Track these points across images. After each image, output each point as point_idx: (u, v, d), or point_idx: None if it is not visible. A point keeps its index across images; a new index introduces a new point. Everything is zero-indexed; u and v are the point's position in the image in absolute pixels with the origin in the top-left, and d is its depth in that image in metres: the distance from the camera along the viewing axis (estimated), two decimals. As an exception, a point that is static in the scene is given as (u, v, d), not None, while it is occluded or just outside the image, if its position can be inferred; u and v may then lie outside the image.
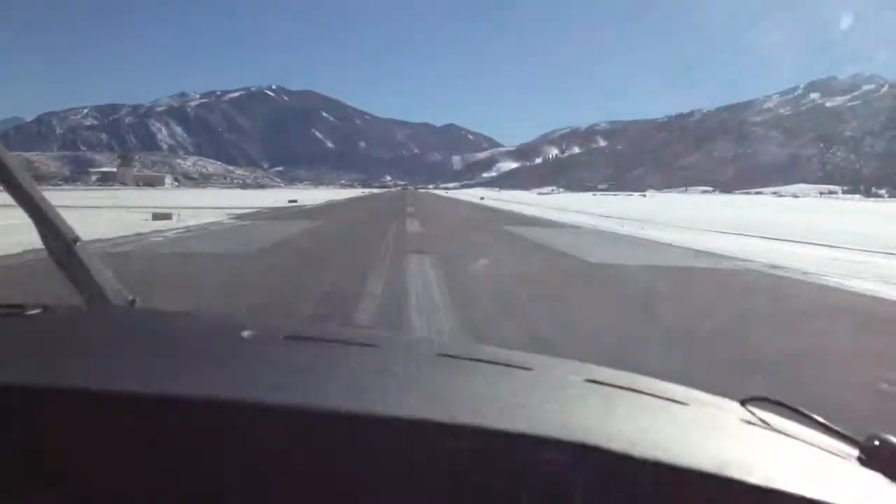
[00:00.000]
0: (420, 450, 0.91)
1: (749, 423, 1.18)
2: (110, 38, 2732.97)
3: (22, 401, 0.94)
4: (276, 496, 0.92)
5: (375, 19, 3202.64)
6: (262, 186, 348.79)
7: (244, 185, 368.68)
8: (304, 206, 54.73)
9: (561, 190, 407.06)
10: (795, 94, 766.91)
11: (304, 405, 0.96)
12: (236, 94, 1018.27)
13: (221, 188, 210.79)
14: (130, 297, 1.79)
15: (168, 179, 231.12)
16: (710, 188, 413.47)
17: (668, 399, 1.24)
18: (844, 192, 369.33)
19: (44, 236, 1.65)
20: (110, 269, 1.72)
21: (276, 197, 68.12)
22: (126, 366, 1.13)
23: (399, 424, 0.92)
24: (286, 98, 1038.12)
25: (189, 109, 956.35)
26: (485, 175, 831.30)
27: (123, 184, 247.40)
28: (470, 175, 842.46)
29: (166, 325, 1.62)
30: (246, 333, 1.35)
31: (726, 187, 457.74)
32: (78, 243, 1.66)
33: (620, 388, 1.25)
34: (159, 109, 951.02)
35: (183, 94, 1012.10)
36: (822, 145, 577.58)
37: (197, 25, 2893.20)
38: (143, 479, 0.91)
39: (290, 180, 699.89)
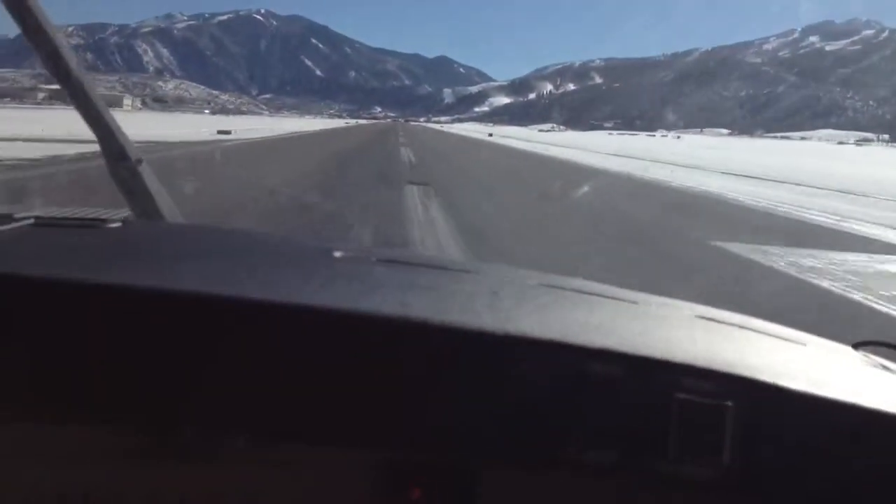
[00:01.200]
0: (554, 372, 0.87)
1: (870, 365, 1.13)
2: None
3: (114, 301, 0.91)
4: (390, 409, 0.87)
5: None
6: (242, 113, 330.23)
7: (224, 111, 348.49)
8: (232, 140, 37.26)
9: (562, 127, 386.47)
10: (792, 36, 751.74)
11: (433, 320, 0.88)
12: (224, 17, 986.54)
13: (195, 114, 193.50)
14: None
15: (127, 100, 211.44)
16: (726, 131, 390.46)
17: (784, 339, 1.18)
18: (881, 140, 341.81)
19: (107, 153, 1.61)
20: (166, 192, 1.69)
21: (228, 125, 53.55)
22: (218, 273, 1.07)
23: (545, 346, 0.88)
24: (275, 22, 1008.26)
25: (176, 31, 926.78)
26: (476, 109, 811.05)
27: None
28: (461, 109, 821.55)
29: (251, 239, 1.55)
30: (337, 254, 1.26)
31: (743, 129, 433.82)
32: (142, 164, 1.63)
33: (735, 325, 1.19)
34: (145, 30, 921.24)
35: (170, 16, 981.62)
36: (839, 90, 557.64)
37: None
38: (235, 381, 0.87)
39: (278, 108, 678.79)
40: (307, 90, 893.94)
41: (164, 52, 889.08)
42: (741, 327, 1.19)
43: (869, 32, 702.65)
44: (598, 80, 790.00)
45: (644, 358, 0.87)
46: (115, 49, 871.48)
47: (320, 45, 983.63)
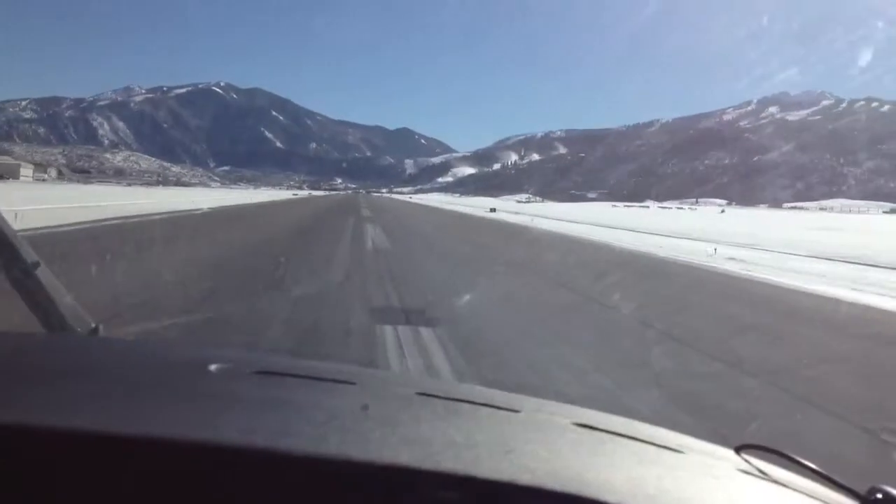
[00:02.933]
0: (403, 498, 0.84)
1: (745, 472, 1.12)
2: (54, 31, 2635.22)
3: None
4: None
5: (329, 19, 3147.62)
6: (183, 185, 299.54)
7: (164, 183, 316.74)
8: None
9: (538, 198, 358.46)
10: (749, 107, 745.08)
11: (274, 447, 0.87)
12: (183, 91, 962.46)
13: (116, 185, 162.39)
14: (93, 324, 1.68)
15: (27, 171, 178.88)
16: (723, 201, 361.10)
17: (661, 446, 1.16)
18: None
19: (2, 258, 1.53)
20: (71, 295, 1.59)
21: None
22: (79, 399, 1.02)
23: (379, 470, 0.85)
24: (235, 95, 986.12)
25: (133, 105, 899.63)
26: (440, 180, 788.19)
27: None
28: (424, 179, 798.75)
29: (127, 354, 1.49)
30: (213, 367, 1.24)
31: (738, 200, 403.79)
32: (39, 267, 1.54)
33: (612, 433, 1.18)
34: (102, 103, 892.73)
35: (128, 89, 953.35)
36: (828, 157, 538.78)
37: (145, 20, 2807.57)
38: None
39: (235, 180, 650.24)
40: (267, 162, 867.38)
41: (121, 125, 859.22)
42: (618, 435, 1.17)
43: (827, 102, 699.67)
44: (563, 149, 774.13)
45: (490, 482, 0.84)
46: (68, 122, 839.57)
47: (280, 118, 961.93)
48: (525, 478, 0.86)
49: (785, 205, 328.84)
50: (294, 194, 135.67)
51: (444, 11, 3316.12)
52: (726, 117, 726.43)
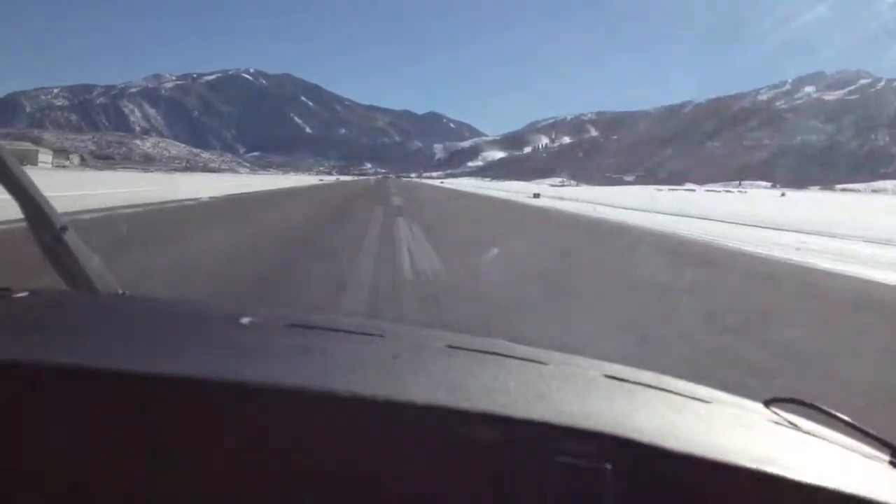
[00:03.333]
0: (434, 438, 0.86)
1: (776, 423, 1.13)
2: (87, 19, 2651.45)
3: (6, 378, 0.90)
4: (273, 482, 0.86)
5: (357, 3, 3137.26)
6: (210, 171, 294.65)
7: (192, 169, 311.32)
8: None
9: (572, 182, 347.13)
10: (784, 87, 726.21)
11: (305, 386, 0.90)
12: (213, 77, 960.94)
13: (143, 172, 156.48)
14: (120, 290, 1.70)
15: (45, 156, 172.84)
16: (768, 183, 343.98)
17: (691, 397, 1.17)
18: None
19: (31, 222, 1.56)
20: (98, 258, 1.63)
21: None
22: (115, 346, 1.06)
23: (411, 410, 0.86)
24: (264, 82, 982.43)
25: (163, 91, 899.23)
26: (470, 164, 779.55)
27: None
28: (454, 164, 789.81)
29: (159, 310, 1.54)
30: (245, 320, 1.27)
31: (783, 182, 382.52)
32: (67, 231, 1.57)
33: (641, 384, 1.18)
34: (132, 90, 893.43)
35: (157, 76, 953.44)
36: (873, 136, 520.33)
37: (174, 6, 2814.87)
38: (133, 462, 0.86)
39: (265, 166, 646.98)
40: (297, 147, 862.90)
41: (151, 111, 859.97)
42: (648, 386, 1.18)
43: (865, 81, 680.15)
44: (594, 132, 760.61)
45: (525, 421, 0.85)
46: (100, 110, 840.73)
47: (310, 103, 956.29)
48: (560, 419, 0.86)
49: (837, 187, 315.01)
50: (320, 179, 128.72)
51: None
52: (761, 97, 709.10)
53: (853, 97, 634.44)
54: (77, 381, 0.90)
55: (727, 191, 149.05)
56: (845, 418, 1.08)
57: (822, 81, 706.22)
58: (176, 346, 1.11)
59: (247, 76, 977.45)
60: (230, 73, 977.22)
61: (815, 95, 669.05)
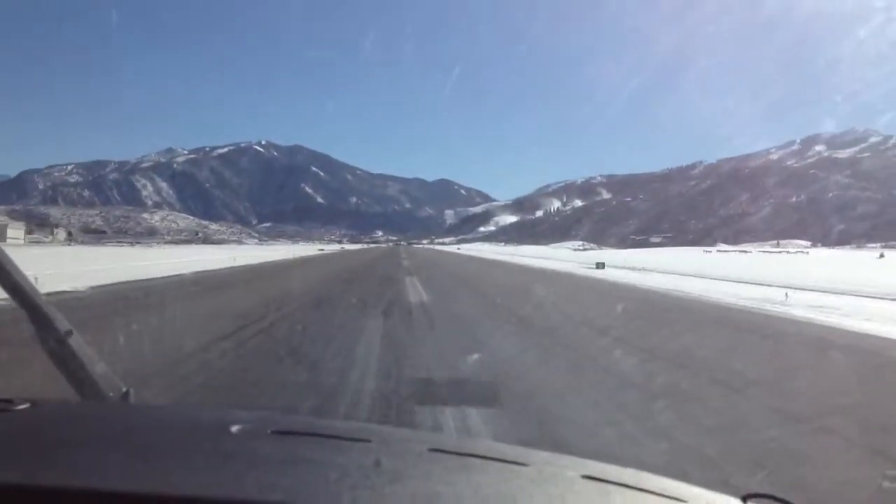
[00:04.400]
0: None
1: None
2: (100, 97, 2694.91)
3: (3, 500, 0.89)
4: None
5: (366, 75, 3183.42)
6: (213, 243, 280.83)
7: (184, 241, 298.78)
8: None
9: (592, 246, 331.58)
10: (793, 147, 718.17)
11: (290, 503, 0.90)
12: (225, 150, 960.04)
13: (142, 247, 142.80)
14: (125, 389, 1.69)
15: (15, 231, 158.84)
16: (807, 242, 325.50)
17: (667, 496, 1.13)
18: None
19: (36, 327, 1.56)
20: (103, 361, 1.61)
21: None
22: (111, 463, 1.07)
23: None
24: (275, 153, 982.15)
25: (176, 165, 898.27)
26: (482, 229, 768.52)
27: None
28: (466, 230, 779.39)
29: (155, 419, 1.53)
30: (234, 428, 1.28)
31: (819, 240, 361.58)
32: (72, 336, 1.57)
33: (618, 484, 1.15)
34: (145, 165, 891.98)
35: (170, 150, 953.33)
36: None
37: (187, 82, 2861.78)
38: None
39: (276, 236, 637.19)
40: (309, 217, 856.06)
41: (163, 185, 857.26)
42: (625, 486, 1.14)
43: (875, 139, 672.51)
44: (606, 194, 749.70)
45: None
46: (112, 185, 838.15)
47: (321, 173, 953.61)
48: None
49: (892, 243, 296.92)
50: (320, 250, 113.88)
51: (480, 62, 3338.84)
52: (773, 157, 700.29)
53: (864, 155, 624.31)
54: (63, 500, 0.90)
55: (785, 252, 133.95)
56: None
57: (831, 141, 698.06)
58: (167, 460, 1.11)
59: (258, 148, 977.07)
60: (242, 145, 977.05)
61: (825, 154, 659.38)
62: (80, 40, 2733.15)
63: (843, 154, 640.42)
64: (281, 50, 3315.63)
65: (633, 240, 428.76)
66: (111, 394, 1.62)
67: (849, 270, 43.11)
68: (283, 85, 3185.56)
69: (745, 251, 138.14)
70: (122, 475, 0.99)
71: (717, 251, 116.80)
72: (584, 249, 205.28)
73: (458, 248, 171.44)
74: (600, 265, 45.82)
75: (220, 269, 33.17)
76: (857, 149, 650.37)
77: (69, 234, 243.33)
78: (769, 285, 25.92)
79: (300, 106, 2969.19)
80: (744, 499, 1.18)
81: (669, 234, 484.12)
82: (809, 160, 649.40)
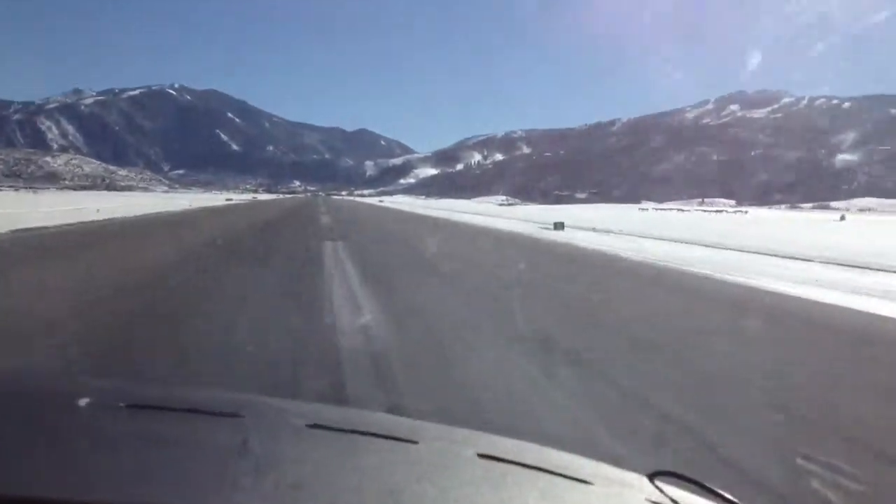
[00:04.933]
0: None
1: (655, 502, 1.04)
2: (2, 32, 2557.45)
3: None
4: None
5: (284, 18, 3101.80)
6: (119, 189, 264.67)
7: (94, 187, 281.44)
8: None
9: (516, 201, 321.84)
10: (707, 106, 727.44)
11: (136, 500, 0.80)
12: (136, 93, 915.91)
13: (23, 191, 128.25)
14: None
15: None
16: (729, 201, 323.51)
17: (570, 477, 1.07)
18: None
19: None
20: None
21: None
22: None
23: None
24: (189, 98, 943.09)
25: (83, 107, 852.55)
26: (402, 181, 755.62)
27: None
28: (386, 181, 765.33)
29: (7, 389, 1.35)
30: (83, 402, 1.12)
31: (744, 199, 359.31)
32: None
33: (518, 464, 1.08)
34: (50, 107, 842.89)
35: (77, 91, 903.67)
36: (823, 151, 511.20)
37: (95, 19, 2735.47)
38: None
39: (189, 184, 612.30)
40: (224, 165, 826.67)
41: (70, 128, 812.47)
42: (525, 466, 1.08)
43: (788, 100, 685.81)
44: (526, 149, 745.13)
45: None
46: (16, 126, 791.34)
47: (237, 120, 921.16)
48: None
49: (804, 206, 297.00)
50: (228, 200, 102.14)
51: (402, 11, 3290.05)
52: (688, 115, 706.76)
53: (777, 115, 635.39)
54: None
55: (723, 211, 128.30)
56: (727, 495, 1.06)
57: (745, 100, 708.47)
58: (6, 447, 0.98)
59: (171, 91, 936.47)
60: (154, 88, 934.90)
61: (739, 114, 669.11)
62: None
63: (758, 114, 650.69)
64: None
65: (558, 195, 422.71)
66: None
67: (828, 234, 37.35)
68: (197, 26, 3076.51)
69: (682, 209, 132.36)
70: None
71: (655, 209, 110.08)
72: (510, 204, 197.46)
73: (381, 201, 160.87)
74: (559, 225, 37.24)
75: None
76: (770, 108, 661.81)
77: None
78: (803, 258, 19.13)
79: (215, 49, 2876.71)
80: (650, 477, 1.15)
81: (595, 191, 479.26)
82: (724, 119, 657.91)
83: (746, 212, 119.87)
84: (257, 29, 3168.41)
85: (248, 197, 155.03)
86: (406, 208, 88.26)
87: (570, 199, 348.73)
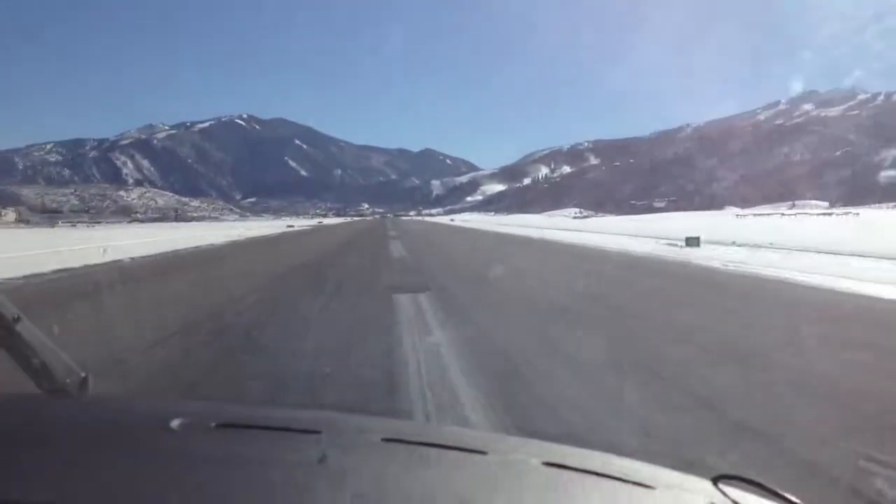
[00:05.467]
0: None
1: None
2: (76, 74, 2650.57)
3: None
4: None
5: (345, 45, 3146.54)
6: (186, 220, 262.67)
7: (164, 219, 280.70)
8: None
9: (590, 213, 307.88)
10: (779, 107, 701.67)
11: None
12: (206, 125, 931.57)
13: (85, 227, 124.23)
14: (83, 375, 1.60)
15: None
16: (823, 203, 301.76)
17: (632, 482, 1.08)
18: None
19: None
20: (56, 347, 1.51)
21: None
22: (39, 467, 1.01)
23: None
24: (258, 127, 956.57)
25: (156, 142, 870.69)
26: (469, 199, 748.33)
27: None
28: (452, 200, 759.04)
29: (91, 416, 1.43)
30: (175, 423, 1.20)
31: (844, 200, 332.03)
32: (20, 322, 1.49)
33: (582, 471, 1.09)
34: (124, 143, 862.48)
35: (150, 126, 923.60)
36: None
37: (164, 57, 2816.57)
38: None
39: (260, 211, 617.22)
40: (293, 191, 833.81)
41: (144, 162, 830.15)
42: (590, 473, 1.09)
43: (864, 96, 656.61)
44: (594, 160, 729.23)
45: None
46: (92, 163, 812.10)
47: (304, 146, 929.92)
48: None
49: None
50: (289, 227, 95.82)
51: (461, 36, 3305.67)
52: (759, 117, 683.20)
53: (854, 112, 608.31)
54: None
55: (829, 213, 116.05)
56: (793, 498, 1.05)
57: (818, 99, 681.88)
58: (98, 463, 1.05)
59: (240, 122, 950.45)
60: (223, 119, 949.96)
61: (814, 113, 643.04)
62: (57, 17, 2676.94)
63: (833, 112, 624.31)
64: (260, 22, 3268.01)
65: (635, 205, 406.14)
66: (68, 380, 1.54)
67: None
68: (263, 57, 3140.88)
69: (784, 214, 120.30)
70: (50, 481, 0.93)
71: (753, 216, 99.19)
72: (584, 217, 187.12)
73: (452, 220, 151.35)
74: (693, 241, 28.15)
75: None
76: (846, 106, 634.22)
77: (19, 214, 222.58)
78: None
79: (281, 79, 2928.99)
80: (714, 481, 1.14)
81: (673, 199, 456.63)
82: (798, 119, 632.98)
83: (858, 213, 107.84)
84: (320, 57, 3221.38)
85: (313, 222, 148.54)
86: (484, 226, 79.90)
87: (648, 209, 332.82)
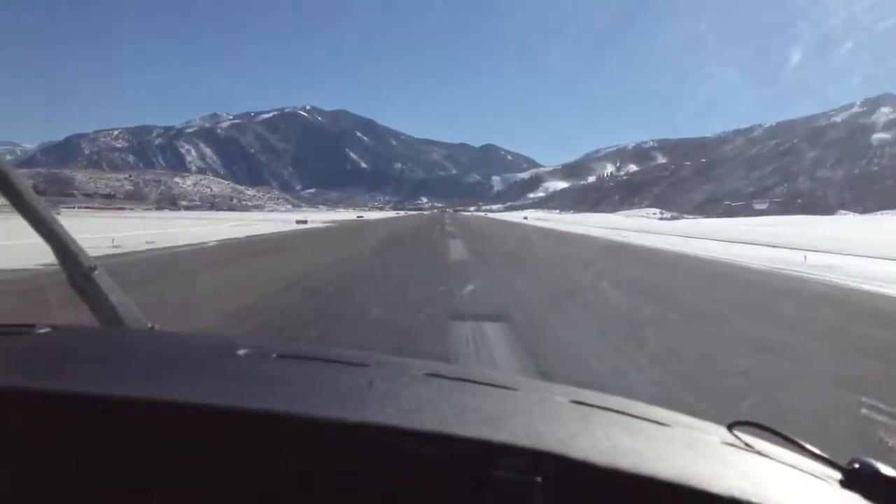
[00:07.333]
0: (392, 455, 0.89)
1: (730, 444, 1.10)
2: (146, 62, 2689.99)
3: (24, 405, 0.94)
4: (251, 496, 0.90)
5: (409, 38, 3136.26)
6: (232, 209, 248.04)
7: (214, 207, 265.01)
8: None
9: (664, 213, 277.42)
10: (853, 110, 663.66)
11: (281, 411, 0.95)
12: (269, 115, 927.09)
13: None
14: (150, 324, 1.75)
15: None
16: None
17: (650, 420, 1.16)
18: None
19: (62, 263, 1.61)
20: (128, 297, 1.65)
21: None
22: (123, 375, 1.13)
23: (366, 430, 0.90)
24: (320, 118, 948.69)
25: (220, 131, 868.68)
26: (530, 196, 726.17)
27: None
28: (513, 196, 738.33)
29: (168, 343, 1.60)
30: (241, 351, 1.35)
31: None
32: (97, 271, 1.62)
33: (604, 408, 1.18)
34: (190, 131, 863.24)
35: (215, 115, 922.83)
36: None
37: (231, 48, 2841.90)
38: (139, 481, 0.89)
39: (318, 202, 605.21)
40: (353, 183, 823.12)
41: (207, 151, 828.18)
42: (611, 411, 1.17)
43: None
44: (661, 159, 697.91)
45: (463, 438, 0.89)
46: (157, 150, 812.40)
47: (365, 138, 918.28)
48: (498, 437, 0.88)
49: None
50: (359, 216, 76.13)
51: (525, 32, 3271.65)
52: (835, 119, 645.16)
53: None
54: (76, 406, 0.95)
55: None
56: (799, 441, 1.09)
57: (893, 102, 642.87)
58: (178, 375, 1.18)
59: (302, 113, 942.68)
60: (286, 110, 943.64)
61: (892, 116, 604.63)
62: (134, 8, 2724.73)
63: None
64: (324, 14, 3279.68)
65: (730, 206, 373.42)
66: (137, 328, 1.70)
67: None
68: (327, 49, 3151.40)
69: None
70: (133, 385, 1.04)
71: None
72: (671, 218, 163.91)
73: (525, 218, 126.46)
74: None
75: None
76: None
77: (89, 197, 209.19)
78: None
79: (344, 70, 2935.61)
80: (729, 427, 1.19)
81: (776, 199, 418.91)
82: (878, 121, 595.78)
83: None
84: (383, 49, 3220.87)
85: (378, 215, 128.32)
86: (570, 228, 58.65)
87: (746, 210, 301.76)
